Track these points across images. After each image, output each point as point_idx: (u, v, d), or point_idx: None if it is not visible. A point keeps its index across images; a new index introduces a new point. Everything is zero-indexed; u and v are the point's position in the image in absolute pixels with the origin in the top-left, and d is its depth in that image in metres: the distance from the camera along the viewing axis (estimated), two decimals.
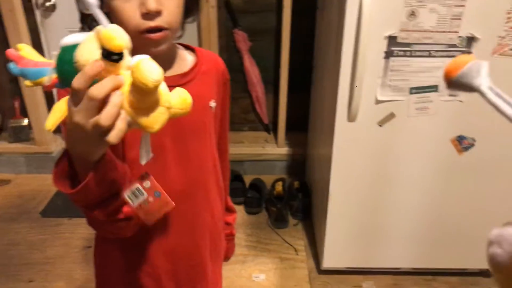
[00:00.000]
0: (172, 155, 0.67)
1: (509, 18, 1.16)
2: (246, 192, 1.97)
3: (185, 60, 0.70)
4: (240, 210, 1.94)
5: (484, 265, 1.55)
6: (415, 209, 1.44)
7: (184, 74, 0.68)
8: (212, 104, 0.72)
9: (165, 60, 0.64)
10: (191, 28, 2.04)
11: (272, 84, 2.09)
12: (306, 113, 2.03)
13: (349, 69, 1.24)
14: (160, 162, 0.65)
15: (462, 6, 1.16)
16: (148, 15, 0.57)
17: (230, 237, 0.95)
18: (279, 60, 1.93)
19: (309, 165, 1.99)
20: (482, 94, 0.44)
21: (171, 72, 0.67)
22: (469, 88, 0.46)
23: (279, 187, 1.94)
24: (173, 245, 0.71)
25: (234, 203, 1.93)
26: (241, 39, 1.98)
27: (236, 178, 2.05)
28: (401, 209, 1.45)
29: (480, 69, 0.47)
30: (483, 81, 0.45)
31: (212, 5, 1.80)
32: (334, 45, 1.34)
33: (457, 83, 0.46)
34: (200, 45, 1.88)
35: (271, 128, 2.18)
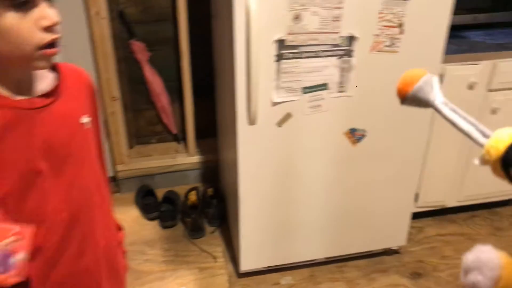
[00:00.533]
0: (50, 181, 0.62)
1: (381, 17, 1.28)
2: (160, 206, 1.92)
3: (46, 77, 0.65)
4: (155, 226, 1.88)
5: (386, 244, 1.69)
6: (321, 201, 1.52)
7: (49, 93, 0.63)
8: (85, 120, 0.68)
9: (35, 79, 0.60)
10: (82, 40, 1.92)
11: (177, 93, 2.06)
12: (214, 119, 2.03)
13: (244, 73, 1.27)
14: (38, 191, 0.60)
15: (340, 8, 1.25)
16: (50, 28, 0.55)
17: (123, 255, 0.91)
18: (181, 69, 1.92)
19: (221, 171, 2.00)
20: (437, 110, 0.43)
21: (37, 93, 0.62)
22: (424, 103, 0.44)
23: (192, 196, 1.92)
24: (61, 275, 0.66)
25: (148, 219, 1.90)
26: (139, 49, 1.93)
27: (147, 193, 1.99)
28: (308, 203, 1.51)
29: (432, 84, 0.46)
30: (437, 96, 0.44)
31: (103, 16, 1.73)
32: (228, 51, 1.36)
33: (413, 98, 0.44)
34: (95, 58, 1.80)
35: (181, 137, 2.15)
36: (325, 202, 1.53)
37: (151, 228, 1.87)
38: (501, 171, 0.51)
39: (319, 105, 1.36)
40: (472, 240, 1.83)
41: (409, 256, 1.75)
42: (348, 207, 1.55)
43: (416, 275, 1.66)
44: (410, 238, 1.82)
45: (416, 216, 1.90)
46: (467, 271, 0.41)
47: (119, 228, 0.89)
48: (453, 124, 0.46)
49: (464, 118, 0.46)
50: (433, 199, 1.82)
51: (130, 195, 2.04)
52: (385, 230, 1.64)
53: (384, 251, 1.72)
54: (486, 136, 0.51)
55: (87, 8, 1.71)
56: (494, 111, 1.68)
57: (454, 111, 0.43)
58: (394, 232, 1.67)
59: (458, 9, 1.59)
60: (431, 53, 1.37)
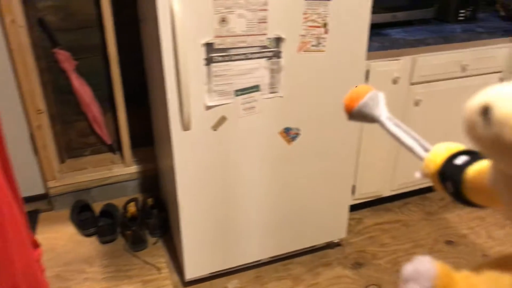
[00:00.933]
0: None
1: (305, 18, 1.31)
2: (97, 221, 1.83)
3: None
4: (93, 242, 1.80)
5: (328, 238, 1.73)
6: (261, 201, 1.53)
7: None
8: None
9: None
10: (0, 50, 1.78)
11: (109, 102, 1.99)
12: (151, 127, 1.98)
13: (174, 78, 1.25)
14: None
15: (266, 10, 1.26)
16: None
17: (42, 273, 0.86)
18: (111, 76, 1.85)
19: (161, 179, 1.95)
20: (382, 124, 0.43)
21: None
22: (370, 118, 0.44)
23: (132, 208, 1.86)
24: None
25: (85, 236, 1.81)
26: (64, 58, 1.84)
27: (83, 208, 1.90)
28: (249, 204, 1.51)
29: (378, 100, 0.46)
30: (382, 112, 0.43)
31: (20, 24, 1.62)
32: (156, 56, 1.33)
33: (358, 113, 0.44)
34: (14, 69, 1.68)
35: (116, 147, 2.07)
36: (265, 202, 1.54)
37: (89, 245, 1.78)
38: (439, 184, 0.53)
39: (252, 107, 1.37)
40: (407, 227, 1.93)
41: (350, 247, 1.81)
42: (288, 205, 1.58)
43: (357, 265, 1.72)
44: (350, 230, 1.88)
45: (354, 208, 1.97)
46: (405, 281, 0.42)
47: (36, 245, 0.84)
48: (397, 139, 0.47)
49: (407, 133, 0.47)
50: (368, 190, 1.90)
51: (65, 212, 1.93)
52: (326, 224, 1.69)
53: (327, 245, 1.77)
54: (426, 150, 0.52)
55: (1, 16, 1.60)
56: (417, 103, 1.78)
57: (397, 126, 0.44)
58: (335, 225, 1.72)
59: (378, 8, 1.67)
60: (356, 51, 1.42)
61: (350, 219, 1.91)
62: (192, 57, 1.23)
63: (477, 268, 0.39)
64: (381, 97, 0.42)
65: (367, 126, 1.66)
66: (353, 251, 1.79)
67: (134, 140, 2.01)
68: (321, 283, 1.62)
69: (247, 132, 1.39)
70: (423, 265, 0.41)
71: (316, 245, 1.73)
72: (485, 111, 0.24)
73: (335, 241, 1.78)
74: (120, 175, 2.00)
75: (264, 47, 1.30)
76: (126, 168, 2.01)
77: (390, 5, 1.77)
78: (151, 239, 1.80)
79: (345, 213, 1.71)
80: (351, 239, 1.85)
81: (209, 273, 1.58)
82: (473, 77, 1.83)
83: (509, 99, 0.24)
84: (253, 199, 1.51)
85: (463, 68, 1.79)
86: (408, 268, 0.42)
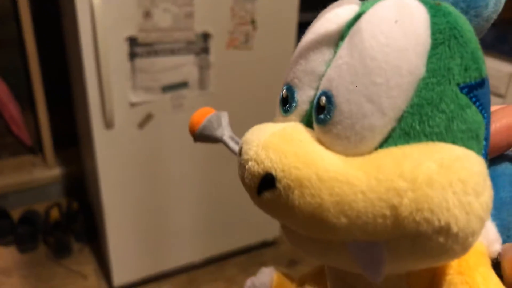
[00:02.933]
0: None
1: (233, 14, 1.29)
2: (15, 228, 1.69)
3: None
4: (11, 251, 1.66)
5: (262, 236, 1.73)
6: (192, 201, 1.49)
7: None
8: None
9: None
10: None
11: (29, 101, 1.84)
12: (75, 126, 1.87)
13: (95, 74, 1.18)
14: None
15: (192, 5, 1.23)
16: None
17: None
18: (29, 73, 1.72)
19: (86, 182, 1.85)
20: (225, 143, 0.42)
21: None
22: (213, 139, 0.44)
23: (54, 213, 1.74)
24: None
25: (2, 245, 1.66)
26: None
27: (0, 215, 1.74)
28: (179, 205, 1.47)
29: (220, 120, 0.45)
30: (224, 131, 0.42)
31: None
32: (77, 52, 1.25)
33: (200, 136, 0.43)
34: None
35: (37, 149, 1.93)
36: (196, 202, 1.50)
37: (7, 255, 1.64)
38: None
39: (181, 104, 1.33)
40: None
41: (285, 245, 1.82)
42: (220, 203, 1.55)
43: (292, 262, 1.74)
44: None
45: None
46: None
47: None
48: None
49: None
50: None
51: None
52: (259, 222, 1.68)
53: (261, 244, 1.77)
54: None
55: None
56: None
57: (239, 144, 0.45)
58: (269, 223, 1.72)
59: (306, 7, 1.70)
60: (284, 49, 1.43)
61: None
62: (115, 52, 1.17)
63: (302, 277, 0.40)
64: (224, 117, 0.42)
65: None
66: (288, 249, 1.80)
67: (57, 141, 1.88)
68: None
69: (175, 130, 1.35)
70: (260, 278, 0.42)
71: (251, 245, 1.73)
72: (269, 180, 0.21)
73: (270, 240, 1.79)
74: (41, 178, 1.86)
75: (192, 42, 1.27)
76: (48, 171, 1.88)
77: (319, 4, 1.81)
78: (77, 246, 1.69)
79: None
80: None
81: (139, 278, 1.52)
82: None
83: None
84: (183, 198, 1.47)
85: None
86: (247, 283, 0.42)
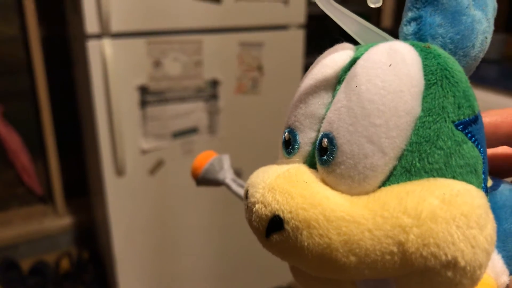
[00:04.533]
0: None
1: (241, 61, 1.33)
2: (26, 280, 1.66)
3: None
4: None
5: (275, 282, 1.68)
6: (204, 248, 1.47)
7: None
8: None
9: None
10: None
11: (40, 150, 1.87)
12: (86, 174, 1.88)
13: (106, 122, 1.20)
14: None
15: (200, 53, 1.27)
16: None
17: None
18: (41, 123, 1.75)
19: (97, 231, 1.83)
20: (227, 186, 0.43)
21: None
22: (215, 182, 0.44)
23: (65, 263, 1.72)
24: None
25: None
26: None
27: (9, 266, 1.72)
28: (191, 252, 1.45)
29: (222, 163, 0.46)
30: (227, 174, 0.43)
31: None
32: (88, 100, 1.28)
33: (203, 180, 0.44)
34: None
35: (48, 198, 1.94)
36: (208, 248, 1.48)
37: None
38: None
39: (191, 149, 1.34)
40: None
41: None
42: (232, 249, 1.53)
43: None
44: None
45: None
46: None
47: None
48: (241, 198, 0.47)
49: None
50: None
51: None
52: (272, 267, 1.64)
53: None
54: None
55: None
56: None
57: (241, 186, 0.45)
58: (282, 268, 1.68)
59: (311, 52, 1.75)
60: (291, 93, 1.45)
61: None
62: (126, 101, 1.20)
63: None
64: (226, 160, 0.43)
65: None
66: None
67: (68, 190, 1.89)
68: None
69: (186, 176, 1.35)
70: None
71: None
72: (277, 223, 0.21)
73: (284, 286, 1.74)
74: (52, 228, 1.85)
75: (201, 90, 1.30)
76: (58, 220, 1.87)
77: (326, 48, 1.85)
78: None
79: None
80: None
81: None
82: None
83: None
84: (195, 245, 1.45)
85: None
86: None
